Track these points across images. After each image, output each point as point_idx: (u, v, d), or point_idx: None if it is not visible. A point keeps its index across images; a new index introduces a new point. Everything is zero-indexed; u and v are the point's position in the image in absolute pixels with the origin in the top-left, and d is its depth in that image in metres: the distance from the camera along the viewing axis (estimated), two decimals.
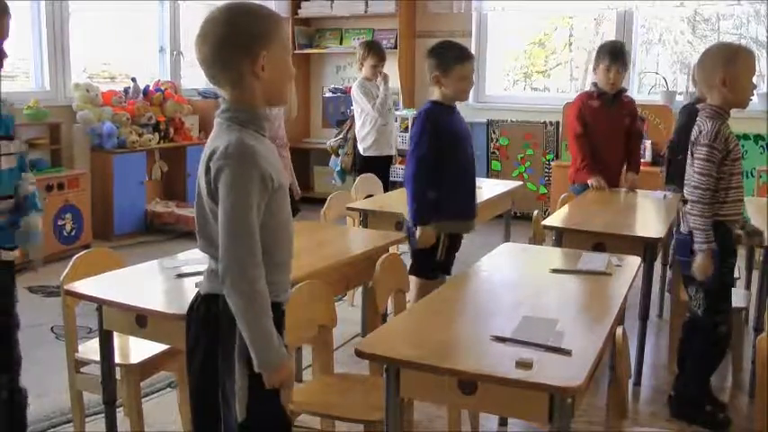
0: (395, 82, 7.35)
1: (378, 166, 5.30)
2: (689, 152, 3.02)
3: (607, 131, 4.44)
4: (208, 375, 1.84)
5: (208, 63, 1.78)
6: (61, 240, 5.43)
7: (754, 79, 3.03)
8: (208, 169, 1.74)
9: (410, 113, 7.18)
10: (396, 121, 7.26)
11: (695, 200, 2.92)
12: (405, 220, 3.43)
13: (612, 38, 7.01)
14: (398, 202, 4.04)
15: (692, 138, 2.99)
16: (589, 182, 4.42)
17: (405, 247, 3.57)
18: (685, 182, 3.07)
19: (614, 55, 4.32)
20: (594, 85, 4.48)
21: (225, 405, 1.82)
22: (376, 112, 5.30)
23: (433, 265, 3.35)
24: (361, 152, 5.47)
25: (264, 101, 1.82)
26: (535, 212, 3.94)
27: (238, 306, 1.72)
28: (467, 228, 3.42)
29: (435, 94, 3.32)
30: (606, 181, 4.43)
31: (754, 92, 3.08)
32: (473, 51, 7.49)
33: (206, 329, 1.84)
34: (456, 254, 3.55)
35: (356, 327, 3.93)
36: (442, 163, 3.27)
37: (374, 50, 5.38)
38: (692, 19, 7.25)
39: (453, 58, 3.24)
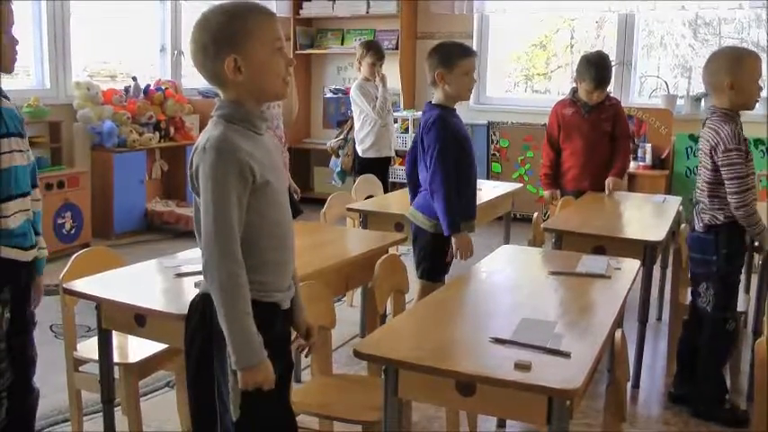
0: (395, 83, 7.36)
1: (377, 167, 5.27)
2: (707, 158, 3.04)
3: (582, 138, 4.44)
4: (203, 374, 1.85)
5: (196, 65, 1.83)
6: (61, 239, 5.43)
7: (760, 82, 3.07)
8: (191, 164, 1.77)
9: (410, 114, 7.19)
10: (396, 122, 7.27)
11: (740, 204, 2.98)
12: (416, 227, 3.39)
13: (614, 41, 7.04)
14: (398, 203, 4.04)
15: (711, 143, 3.01)
16: (544, 193, 4.53)
17: (404, 248, 3.57)
18: (699, 186, 3.12)
19: (598, 82, 4.31)
20: (574, 92, 4.47)
21: (221, 405, 1.82)
22: (376, 115, 5.27)
23: (443, 268, 3.34)
24: (360, 154, 5.43)
25: (254, 99, 1.82)
26: (535, 215, 3.94)
27: (217, 300, 1.71)
28: (469, 228, 3.41)
29: (437, 95, 3.27)
30: (590, 186, 4.45)
31: (760, 95, 3.11)
32: None
33: (201, 328, 1.84)
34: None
35: (355, 327, 3.94)
36: (456, 164, 3.25)
37: (372, 49, 5.33)
38: (694, 23, 7.25)
39: (457, 54, 3.21)
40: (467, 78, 3.22)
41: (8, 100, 2.27)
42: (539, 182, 7.02)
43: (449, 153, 3.19)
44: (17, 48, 2.25)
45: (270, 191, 1.79)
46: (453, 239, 3.24)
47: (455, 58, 3.19)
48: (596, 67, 4.32)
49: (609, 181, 4.45)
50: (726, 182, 2.99)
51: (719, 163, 2.99)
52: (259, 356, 1.72)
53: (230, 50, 1.74)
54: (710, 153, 3.02)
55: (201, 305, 1.84)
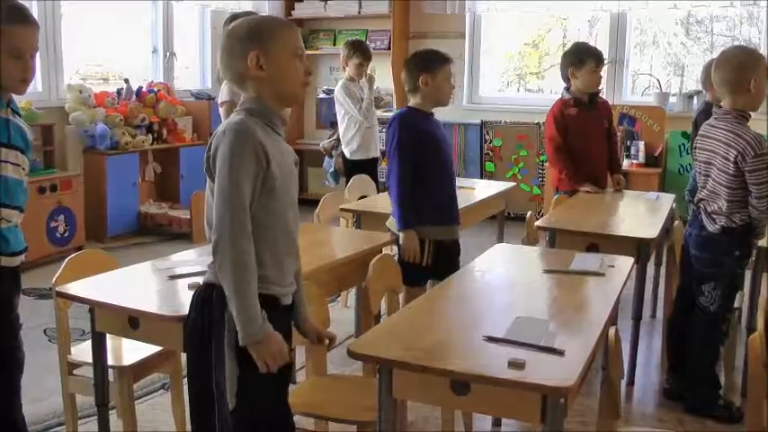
0: (388, 83, 7.36)
1: (365, 168, 5.21)
2: (728, 163, 3.00)
3: (589, 137, 4.43)
4: (202, 363, 1.88)
5: (222, 68, 1.94)
6: (54, 242, 5.40)
7: None
8: (209, 147, 1.85)
9: None
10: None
11: (765, 208, 2.98)
12: (389, 229, 3.39)
13: (606, 39, 7.05)
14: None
15: (737, 149, 2.97)
16: (582, 190, 4.37)
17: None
18: (709, 189, 3.11)
19: (599, 57, 4.35)
20: (567, 90, 4.44)
21: (218, 392, 1.85)
22: (361, 116, 5.20)
23: (420, 272, 3.29)
24: (348, 156, 5.35)
25: (274, 99, 1.91)
26: (528, 213, 3.95)
27: (226, 276, 1.77)
28: (450, 233, 3.38)
29: (414, 101, 3.32)
30: (595, 185, 4.42)
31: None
32: (466, 53, 7.55)
33: (201, 317, 1.88)
34: (459, 258, 3.46)
35: (350, 328, 3.93)
36: (422, 168, 3.26)
37: (359, 49, 5.26)
38: (686, 21, 7.27)
39: (438, 60, 3.28)
40: (447, 84, 3.30)
41: (20, 117, 2.27)
42: (534, 181, 7.10)
43: (405, 150, 3.23)
44: (29, 74, 2.22)
45: (278, 185, 1.86)
46: (401, 236, 3.24)
47: (437, 64, 3.27)
48: (586, 47, 4.48)
49: (619, 177, 4.56)
50: (753, 186, 2.97)
51: (748, 168, 2.95)
52: (264, 331, 1.78)
53: (254, 47, 1.85)
54: (735, 158, 2.96)
55: (202, 294, 1.89)
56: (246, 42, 1.86)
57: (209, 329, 1.85)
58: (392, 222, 3.36)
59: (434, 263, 3.30)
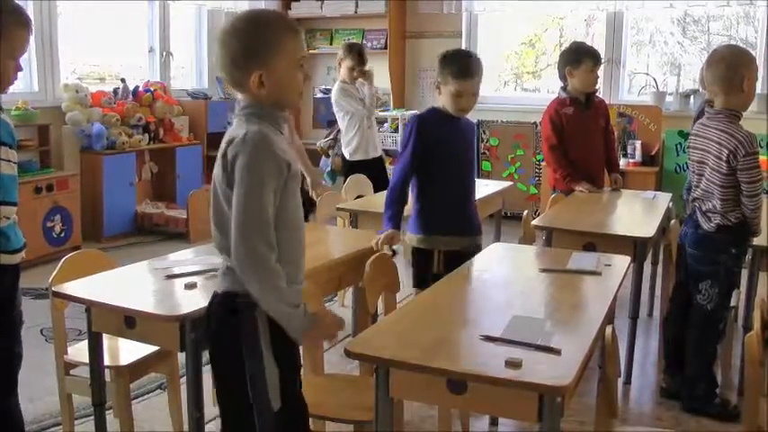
0: (385, 82, 7.36)
1: (366, 169, 5.18)
2: (721, 162, 3.00)
3: (586, 136, 4.41)
4: (233, 372, 1.86)
5: (221, 69, 1.90)
6: (50, 242, 5.40)
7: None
8: (224, 156, 1.82)
9: (400, 113, 7.18)
10: (386, 121, 7.27)
11: (756, 206, 3.01)
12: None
13: (603, 38, 7.06)
14: None
15: (729, 147, 2.98)
16: (578, 189, 4.35)
17: (395, 247, 3.55)
18: (704, 188, 3.11)
19: (597, 56, 4.35)
20: (564, 89, 4.43)
21: (257, 396, 1.84)
22: (367, 111, 5.20)
23: (430, 277, 3.19)
24: (348, 157, 5.32)
25: (270, 107, 1.89)
26: (525, 213, 3.95)
27: (254, 286, 1.79)
28: (460, 243, 3.22)
29: (440, 101, 3.19)
30: (592, 184, 4.41)
31: None
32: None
33: (228, 327, 1.87)
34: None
35: (347, 327, 3.93)
36: (430, 173, 3.17)
37: (352, 53, 5.18)
38: (682, 20, 7.28)
39: (450, 72, 3.12)
40: (454, 98, 3.09)
41: (2, 111, 2.29)
42: (531, 180, 7.10)
43: (409, 153, 3.13)
44: (18, 74, 2.29)
45: (294, 184, 1.88)
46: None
47: (448, 75, 3.09)
48: (584, 46, 4.48)
49: (616, 177, 4.59)
50: (744, 185, 2.99)
51: (740, 167, 2.97)
52: (307, 323, 1.86)
53: (258, 66, 1.82)
54: (728, 157, 2.97)
55: (223, 304, 1.89)
56: (250, 58, 1.81)
57: (239, 338, 1.84)
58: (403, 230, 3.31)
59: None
